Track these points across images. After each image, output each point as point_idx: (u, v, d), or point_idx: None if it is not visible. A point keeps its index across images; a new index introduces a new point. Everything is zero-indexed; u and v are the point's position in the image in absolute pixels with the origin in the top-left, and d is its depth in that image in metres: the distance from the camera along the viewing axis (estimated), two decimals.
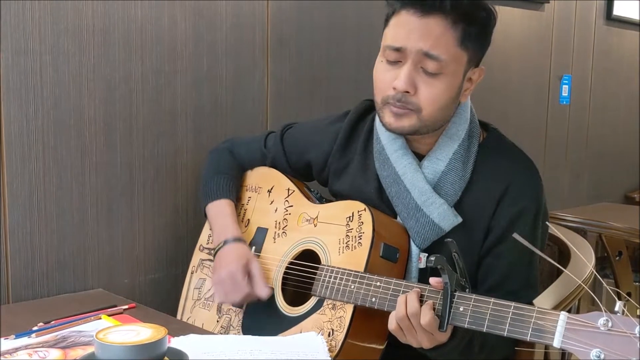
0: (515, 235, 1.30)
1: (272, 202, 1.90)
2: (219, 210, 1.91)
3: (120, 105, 2.00)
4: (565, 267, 1.90)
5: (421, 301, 1.43)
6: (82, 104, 1.93)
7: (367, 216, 1.64)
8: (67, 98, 1.90)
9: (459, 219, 1.64)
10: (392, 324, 1.46)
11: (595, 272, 1.28)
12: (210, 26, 2.17)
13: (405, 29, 1.56)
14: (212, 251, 1.86)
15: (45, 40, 1.84)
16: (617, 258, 3.30)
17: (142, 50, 2.03)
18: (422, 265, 1.44)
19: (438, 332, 1.41)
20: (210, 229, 1.92)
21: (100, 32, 1.94)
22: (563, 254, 2.04)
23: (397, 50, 1.57)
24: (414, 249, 1.66)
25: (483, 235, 1.66)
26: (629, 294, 1.24)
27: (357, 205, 1.69)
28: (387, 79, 1.61)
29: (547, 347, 1.69)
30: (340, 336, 1.55)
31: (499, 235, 1.64)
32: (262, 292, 1.73)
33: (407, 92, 1.57)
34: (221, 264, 1.80)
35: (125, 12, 1.98)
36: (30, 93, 1.83)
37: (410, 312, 1.42)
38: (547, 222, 1.69)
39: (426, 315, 1.40)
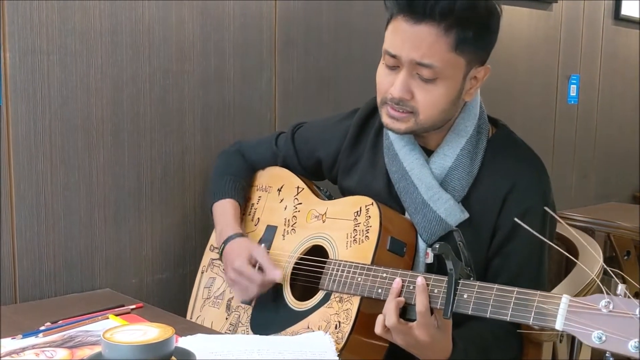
0: (523, 224, 1.31)
1: (281, 201, 1.91)
2: (221, 209, 1.93)
3: (127, 105, 2.00)
4: (572, 267, 1.89)
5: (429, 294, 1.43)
6: (90, 103, 1.93)
7: (374, 210, 1.65)
8: (75, 98, 1.90)
9: (466, 215, 1.64)
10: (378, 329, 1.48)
11: (605, 266, 1.27)
12: (217, 26, 2.17)
13: (400, 37, 1.57)
14: (218, 254, 1.88)
15: (53, 40, 1.85)
16: (626, 257, 3.29)
17: (150, 50, 2.03)
18: (430, 260, 1.45)
19: (437, 335, 1.43)
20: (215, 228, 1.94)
21: (108, 32, 1.94)
22: (571, 253, 2.03)
23: (394, 56, 1.58)
24: (421, 244, 1.66)
25: (490, 233, 1.66)
26: (637, 294, 1.24)
27: (364, 200, 1.69)
28: (386, 83, 1.63)
29: (554, 346, 1.69)
30: (346, 328, 1.55)
31: (507, 235, 1.64)
32: (275, 275, 1.72)
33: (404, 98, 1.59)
34: (227, 265, 1.81)
35: (133, 12, 1.98)
36: (37, 93, 1.84)
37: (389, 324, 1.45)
38: (554, 221, 1.69)
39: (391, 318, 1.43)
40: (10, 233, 1.83)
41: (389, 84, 1.61)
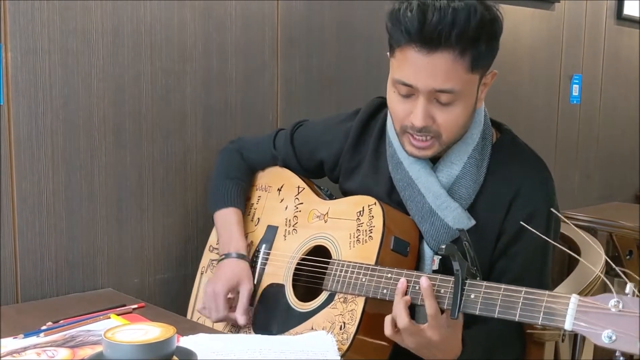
0: (531, 229, 1.30)
1: (282, 200, 1.90)
2: (227, 219, 1.92)
3: (129, 105, 2.00)
4: (574, 267, 1.89)
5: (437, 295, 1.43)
6: (92, 104, 1.93)
7: (377, 210, 1.64)
8: (77, 98, 1.90)
9: (473, 222, 1.63)
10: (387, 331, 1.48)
11: (609, 260, 1.27)
12: (219, 26, 2.17)
13: (413, 67, 1.53)
14: (215, 261, 1.88)
15: (55, 40, 1.85)
16: (628, 257, 3.29)
17: (152, 50, 2.03)
18: (435, 267, 1.44)
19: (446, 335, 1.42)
20: (218, 236, 1.94)
21: (110, 32, 1.94)
22: (573, 253, 2.03)
23: (409, 86, 1.55)
24: (428, 251, 1.66)
25: (495, 237, 1.65)
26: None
27: (367, 200, 1.69)
28: (403, 110, 1.59)
29: (556, 346, 1.68)
30: (351, 329, 1.55)
31: (512, 238, 1.64)
32: (240, 319, 1.76)
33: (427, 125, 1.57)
34: (215, 277, 1.82)
35: (135, 13, 1.98)
36: (39, 93, 1.84)
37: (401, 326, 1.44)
38: (559, 223, 1.69)
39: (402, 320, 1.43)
40: (12, 233, 1.83)
41: (406, 111, 1.58)
